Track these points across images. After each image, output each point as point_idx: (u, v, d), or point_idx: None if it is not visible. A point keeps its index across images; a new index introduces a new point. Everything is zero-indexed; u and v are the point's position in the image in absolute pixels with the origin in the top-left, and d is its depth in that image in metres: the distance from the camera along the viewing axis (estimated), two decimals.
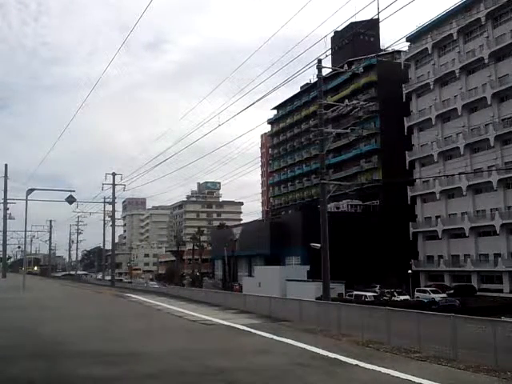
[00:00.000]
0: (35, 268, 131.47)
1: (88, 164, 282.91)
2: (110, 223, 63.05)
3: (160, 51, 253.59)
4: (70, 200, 51.68)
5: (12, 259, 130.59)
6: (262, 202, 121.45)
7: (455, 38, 63.48)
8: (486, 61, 59.25)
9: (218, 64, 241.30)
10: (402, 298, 48.31)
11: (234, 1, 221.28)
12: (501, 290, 56.13)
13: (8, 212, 57.26)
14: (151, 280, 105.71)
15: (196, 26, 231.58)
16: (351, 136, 68.17)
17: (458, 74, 63.25)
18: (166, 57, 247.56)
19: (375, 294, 48.49)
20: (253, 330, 16.87)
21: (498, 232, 57.89)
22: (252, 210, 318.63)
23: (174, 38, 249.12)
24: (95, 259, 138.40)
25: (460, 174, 59.91)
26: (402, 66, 71.34)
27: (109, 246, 71.77)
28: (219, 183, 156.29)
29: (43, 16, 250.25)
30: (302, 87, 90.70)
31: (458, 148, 62.72)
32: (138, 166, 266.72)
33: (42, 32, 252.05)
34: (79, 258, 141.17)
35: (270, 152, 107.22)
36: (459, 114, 62.96)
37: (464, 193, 62.08)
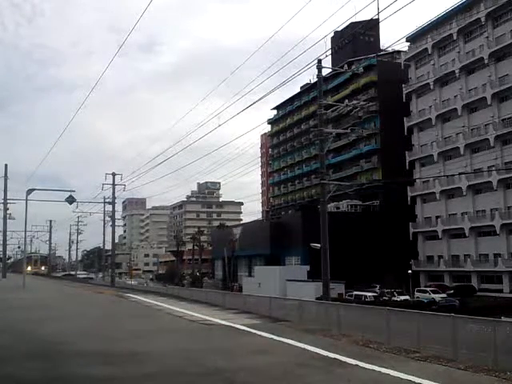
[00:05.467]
0: (42, 268, 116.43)
1: (87, 164, 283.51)
2: (110, 223, 63.05)
3: (154, 53, 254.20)
4: (70, 200, 51.67)
5: (12, 259, 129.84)
6: (262, 202, 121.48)
7: (455, 38, 63.50)
8: (486, 61, 59.27)
9: (212, 66, 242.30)
10: (402, 298, 48.43)
11: (228, 3, 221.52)
12: (501, 290, 56.16)
13: (8, 212, 57.27)
14: (151, 280, 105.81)
15: (190, 28, 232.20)
16: (351, 136, 68.14)
17: (457, 74, 63.27)
18: (160, 59, 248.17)
19: (375, 294, 48.62)
20: (253, 330, 16.84)
21: (497, 232, 57.95)
22: (252, 210, 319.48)
23: (167, 40, 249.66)
24: (95, 259, 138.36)
25: (460, 174, 59.95)
26: (402, 66, 71.38)
27: (109, 246, 71.75)
28: (219, 183, 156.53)
29: (38, 18, 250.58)
30: (301, 87, 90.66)
31: (457, 148, 62.76)
32: (137, 166, 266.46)
33: (36, 34, 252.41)
34: (79, 258, 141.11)
35: (270, 152, 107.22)
36: (459, 114, 63.00)
37: (464, 193, 62.12)
